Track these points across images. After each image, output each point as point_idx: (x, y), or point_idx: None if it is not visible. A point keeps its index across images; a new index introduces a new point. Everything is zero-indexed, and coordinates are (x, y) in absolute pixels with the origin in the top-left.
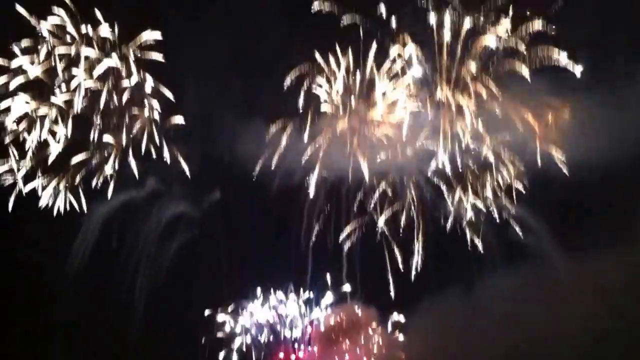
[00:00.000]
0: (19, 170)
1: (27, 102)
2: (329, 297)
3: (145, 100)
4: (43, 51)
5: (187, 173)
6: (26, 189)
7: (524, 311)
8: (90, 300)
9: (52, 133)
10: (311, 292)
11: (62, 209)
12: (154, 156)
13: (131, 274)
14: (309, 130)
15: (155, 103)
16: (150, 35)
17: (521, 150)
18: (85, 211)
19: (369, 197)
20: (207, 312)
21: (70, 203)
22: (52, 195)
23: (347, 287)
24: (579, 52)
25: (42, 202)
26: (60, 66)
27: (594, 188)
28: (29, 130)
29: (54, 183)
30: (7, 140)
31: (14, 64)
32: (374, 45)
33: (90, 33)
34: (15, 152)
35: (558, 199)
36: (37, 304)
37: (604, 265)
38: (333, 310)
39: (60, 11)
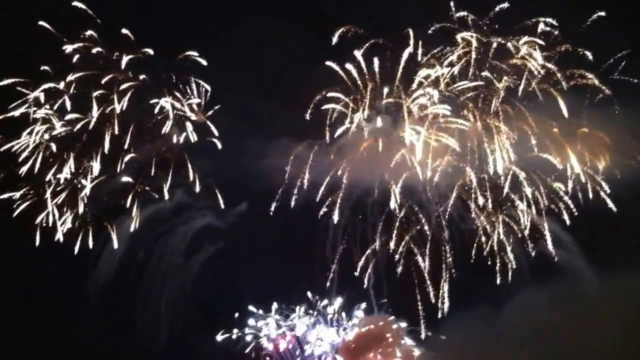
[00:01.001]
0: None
1: (54, 125)
2: (354, 311)
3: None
4: (73, 74)
5: (221, 205)
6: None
7: (555, 331)
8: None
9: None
10: (336, 306)
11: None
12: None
13: (158, 285)
14: (335, 150)
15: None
16: (187, 55)
17: (552, 169)
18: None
19: (394, 216)
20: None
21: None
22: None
23: (372, 302)
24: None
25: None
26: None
27: (628, 206)
28: (64, 152)
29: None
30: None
31: (44, 86)
32: (401, 67)
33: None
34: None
35: (591, 218)
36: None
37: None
38: (358, 323)
39: (90, 32)
